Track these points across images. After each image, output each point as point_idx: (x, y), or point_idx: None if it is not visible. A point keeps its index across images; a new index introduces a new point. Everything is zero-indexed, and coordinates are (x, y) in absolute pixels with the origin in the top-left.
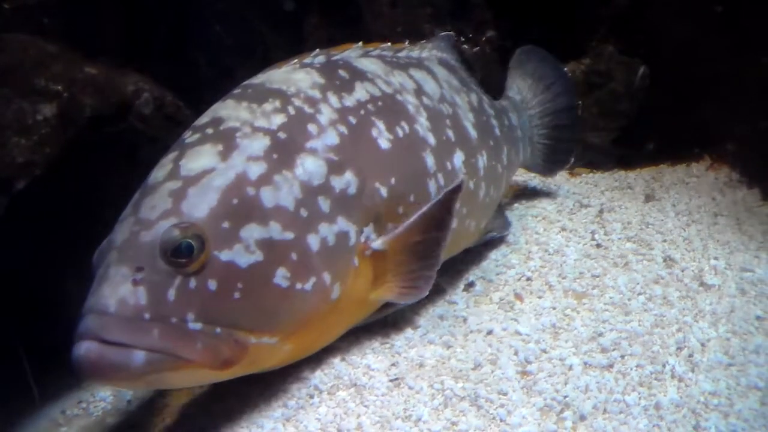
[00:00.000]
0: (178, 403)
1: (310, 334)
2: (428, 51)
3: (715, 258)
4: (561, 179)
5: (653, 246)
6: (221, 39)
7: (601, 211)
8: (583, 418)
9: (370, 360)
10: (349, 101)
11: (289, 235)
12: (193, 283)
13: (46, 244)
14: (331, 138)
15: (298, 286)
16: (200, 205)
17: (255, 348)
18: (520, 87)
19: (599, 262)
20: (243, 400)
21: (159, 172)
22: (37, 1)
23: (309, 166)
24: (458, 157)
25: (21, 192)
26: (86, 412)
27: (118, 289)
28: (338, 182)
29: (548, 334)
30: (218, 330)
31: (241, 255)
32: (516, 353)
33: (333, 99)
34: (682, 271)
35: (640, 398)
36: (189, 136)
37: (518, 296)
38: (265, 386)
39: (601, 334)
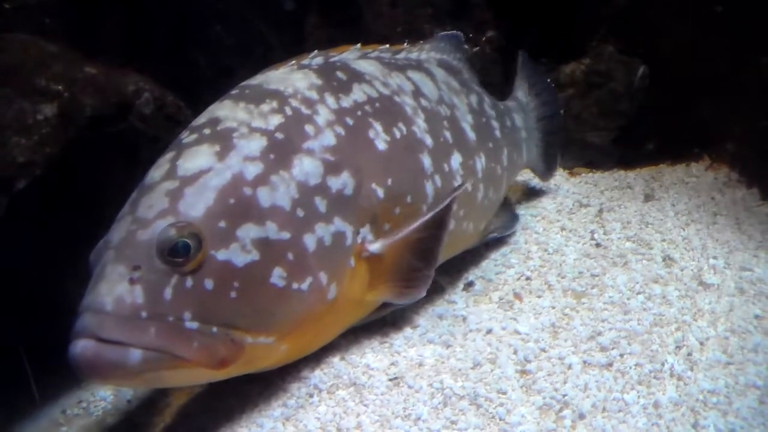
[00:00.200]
0: (178, 403)
1: (307, 335)
2: (426, 52)
3: (714, 257)
4: (560, 179)
5: (652, 245)
6: (221, 39)
7: (600, 211)
8: (582, 416)
9: (370, 359)
10: (347, 102)
11: (286, 235)
12: (189, 282)
13: (46, 244)
14: (328, 139)
15: (295, 285)
16: (197, 205)
17: (251, 348)
18: (525, 89)
19: (598, 261)
20: (243, 400)
21: (156, 172)
22: (38, 1)
23: (306, 167)
24: (456, 159)
25: (21, 192)
26: (87, 412)
27: (115, 288)
28: (335, 183)
29: (547, 333)
30: (215, 329)
31: (238, 254)
32: (515, 352)
33: (330, 100)
34: (681, 270)
35: (639, 397)
36: (186, 137)
37: (517, 295)
38: (265, 385)
39: (600, 333)
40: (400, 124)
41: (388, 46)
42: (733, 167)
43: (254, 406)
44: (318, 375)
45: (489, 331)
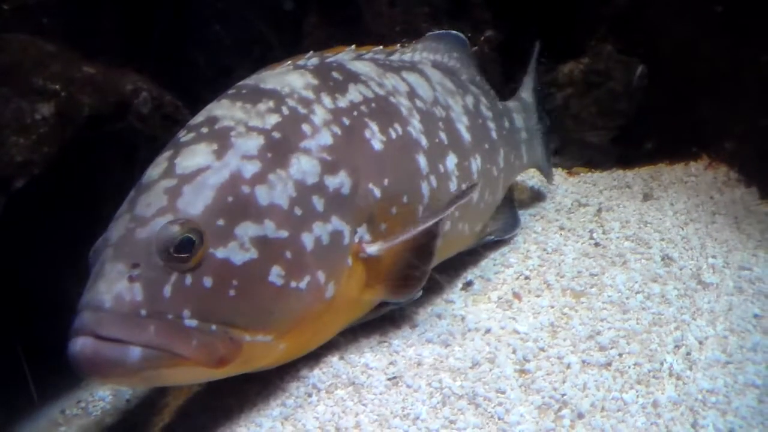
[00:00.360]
0: (177, 402)
1: (305, 334)
2: (419, 53)
3: (713, 256)
4: (559, 178)
5: (651, 245)
6: (220, 38)
7: (599, 210)
8: (581, 416)
9: (369, 359)
10: (343, 102)
11: (284, 234)
12: (189, 279)
13: (45, 243)
14: (325, 138)
15: (293, 284)
16: (195, 203)
17: (249, 346)
18: (533, 88)
19: (597, 260)
20: (242, 399)
21: (154, 171)
22: (37, 1)
23: (303, 166)
24: (451, 160)
25: (19, 191)
26: (85, 412)
27: (114, 286)
28: (332, 182)
29: (546, 332)
30: (214, 327)
31: (236, 252)
32: (514, 352)
33: (326, 100)
34: (680, 269)
35: (638, 396)
36: (184, 135)
37: (516, 295)
38: (264, 385)
39: (599, 333)
40: (396, 125)
41: (381, 47)
42: (732, 166)
43: (253, 405)
44: (317, 374)
45: (488, 331)
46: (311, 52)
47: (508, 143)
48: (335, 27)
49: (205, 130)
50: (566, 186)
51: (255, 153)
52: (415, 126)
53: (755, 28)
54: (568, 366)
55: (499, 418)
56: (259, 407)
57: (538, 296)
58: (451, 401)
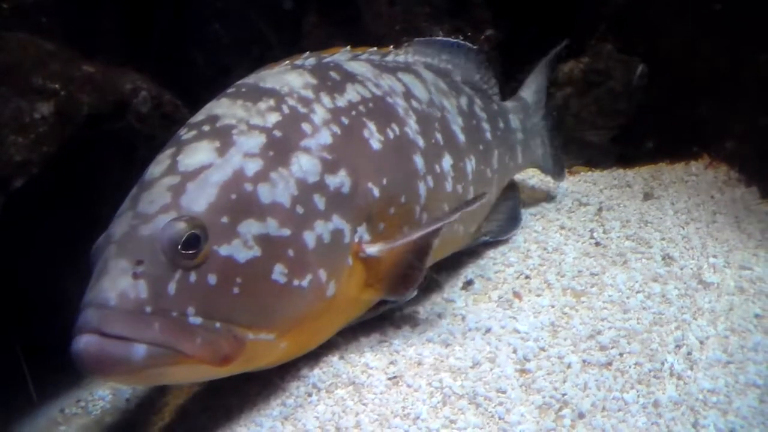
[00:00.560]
0: (177, 402)
1: (306, 332)
2: (412, 56)
3: (714, 256)
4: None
5: (652, 244)
6: (220, 38)
7: (599, 210)
8: (581, 416)
9: (369, 358)
10: (341, 102)
11: (286, 232)
12: (193, 277)
13: (44, 242)
14: (325, 137)
15: (295, 282)
16: (199, 200)
17: (252, 344)
18: (540, 87)
19: (598, 260)
20: (242, 399)
21: (156, 168)
22: (36, 0)
23: (304, 164)
24: (447, 161)
25: (18, 190)
26: (85, 411)
27: (118, 282)
28: (332, 181)
29: (547, 332)
30: (218, 325)
31: (240, 250)
32: (515, 351)
33: (325, 99)
34: (681, 269)
35: (638, 396)
36: (185, 133)
37: (517, 294)
38: (264, 384)
39: (599, 332)
40: (393, 125)
41: (375, 48)
42: (733, 166)
43: (253, 405)
44: (317, 374)
45: (488, 330)
46: (308, 52)
47: (503, 144)
48: (334, 26)
49: (206, 128)
50: (566, 185)
51: (257, 151)
52: (412, 126)
53: (754, 27)
54: (569, 365)
55: (499, 418)
56: (260, 407)
57: (538, 295)
58: (451, 401)
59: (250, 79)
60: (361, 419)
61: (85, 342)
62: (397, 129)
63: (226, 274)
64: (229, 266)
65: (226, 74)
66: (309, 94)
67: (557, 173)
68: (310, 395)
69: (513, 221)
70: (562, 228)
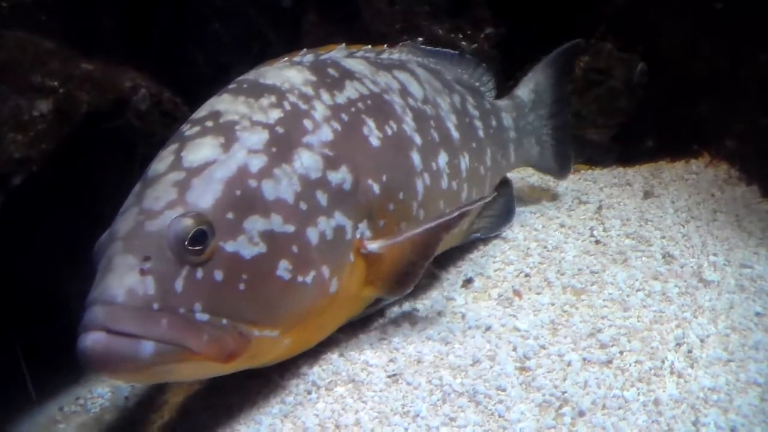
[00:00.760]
0: (176, 400)
1: (308, 329)
2: (405, 54)
3: (714, 254)
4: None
5: (652, 242)
6: (219, 36)
7: (599, 208)
8: (582, 413)
9: (368, 356)
10: (340, 99)
11: (290, 228)
12: (200, 273)
13: (43, 240)
14: (326, 134)
15: (300, 278)
16: (205, 196)
17: (257, 341)
18: (539, 85)
19: (598, 258)
20: (241, 396)
21: (160, 164)
22: None
23: (306, 161)
24: (442, 158)
25: (17, 188)
26: (84, 409)
27: (125, 279)
28: (334, 177)
29: (547, 330)
30: (224, 322)
31: (245, 246)
32: (515, 349)
33: (325, 96)
34: (681, 267)
35: (639, 394)
36: (188, 129)
37: (517, 292)
38: (264, 382)
39: (599, 330)
40: (391, 122)
41: (370, 46)
42: (733, 164)
43: (253, 403)
44: (316, 372)
45: (488, 328)
46: (305, 49)
47: (496, 142)
48: (334, 25)
49: (209, 123)
50: (566, 183)
51: (260, 147)
52: (409, 123)
53: (754, 26)
54: (569, 363)
55: (499, 416)
56: (259, 404)
57: (538, 294)
58: (451, 398)
59: (251, 75)
60: (361, 417)
61: (92, 339)
62: (394, 126)
63: (233, 271)
64: (235, 262)
65: (225, 72)
66: (309, 90)
67: (558, 172)
68: (309, 393)
69: (505, 217)
70: (562, 226)
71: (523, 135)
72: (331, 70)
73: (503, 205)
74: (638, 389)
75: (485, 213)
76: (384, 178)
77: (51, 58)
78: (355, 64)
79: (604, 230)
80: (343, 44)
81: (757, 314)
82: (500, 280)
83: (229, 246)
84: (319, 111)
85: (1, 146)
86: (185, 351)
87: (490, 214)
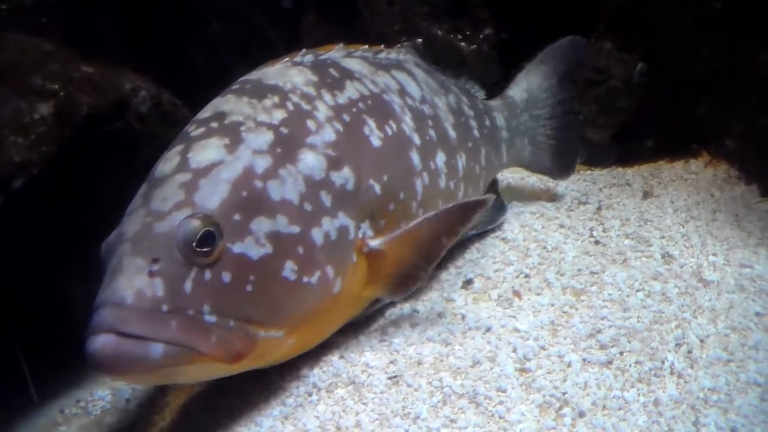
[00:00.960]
0: (177, 402)
1: (312, 329)
2: (404, 54)
3: (714, 254)
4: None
5: (651, 243)
6: (219, 37)
7: (599, 208)
8: (582, 414)
9: (369, 357)
10: (342, 99)
11: (295, 229)
12: (208, 275)
13: (44, 243)
14: (329, 134)
15: (305, 279)
16: (212, 197)
17: (263, 342)
18: (531, 85)
19: (597, 259)
20: (242, 398)
21: (166, 165)
22: (34, 1)
23: (310, 161)
24: (440, 158)
25: (18, 191)
26: (85, 411)
27: (134, 281)
28: (337, 178)
29: (547, 331)
30: (232, 323)
31: (252, 247)
32: (515, 350)
33: (327, 96)
34: (681, 267)
35: (639, 394)
36: (193, 130)
37: (517, 293)
38: (264, 384)
39: (599, 331)
40: (391, 122)
41: (367, 46)
42: (733, 164)
43: (253, 404)
44: (317, 374)
45: (488, 329)
46: (304, 49)
47: (489, 142)
48: (334, 26)
49: (214, 124)
50: (566, 184)
51: (266, 148)
52: (408, 123)
53: (754, 26)
54: (569, 364)
55: (500, 417)
56: (260, 406)
57: (538, 294)
58: (451, 400)
59: (253, 76)
60: (362, 419)
61: (101, 342)
62: (394, 126)
63: (240, 272)
64: (243, 264)
65: (225, 73)
66: (311, 91)
67: (559, 173)
68: (310, 395)
69: (495, 212)
70: (562, 227)
71: (515, 135)
72: (331, 71)
73: (495, 201)
74: (638, 390)
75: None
76: (385, 178)
77: (51, 61)
78: (355, 64)
79: (604, 231)
80: (341, 44)
81: (757, 314)
82: (500, 280)
83: (237, 247)
84: (322, 111)
85: (2, 149)
86: (194, 352)
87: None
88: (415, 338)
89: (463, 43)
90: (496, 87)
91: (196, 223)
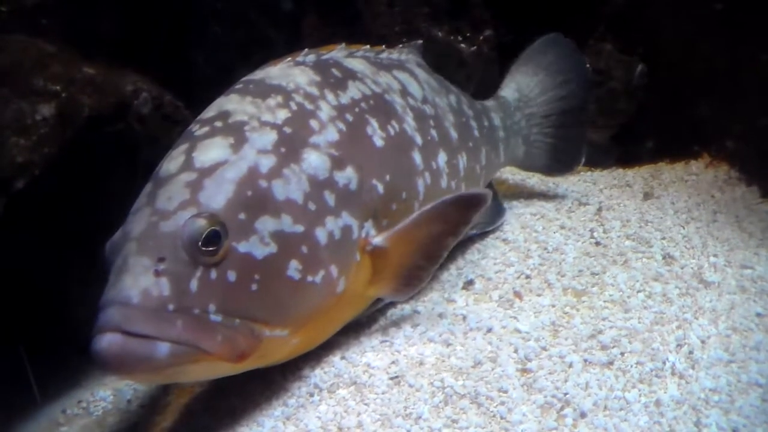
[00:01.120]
0: (179, 402)
1: (315, 328)
2: (405, 54)
3: (715, 255)
4: (559, 177)
5: (652, 244)
6: (220, 39)
7: (599, 209)
8: (583, 415)
9: (370, 358)
10: (345, 99)
11: (300, 228)
12: (214, 274)
13: (46, 243)
14: (332, 134)
15: (309, 278)
16: (217, 196)
17: (268, 341)
18: (521, 84)
19: (598, 260)
20: (244, 399)
21: (171, 164)
22: (35, 2)
23: (314, 161)
24: (442, 158)
25: (20, 192)
26: (86, 412)
27: (140, 280)
28: (341, 177)
29: (548, 331)
30: (237, 322)
31: (257, 247)
32: (516, 351)
33: (330, 96)
34: (682, 268)
35: (640, 395)
36: (197, 129)
37: (517, 294)
38: (266, 384)
39: (600, 332)
40: (393, 122)
41: (369, 46)
42: (733, 165)
43: (255, 405)
44: (318, 374)
45: (489, 330)
46: (306, 49)
47: (488, 141)
48: (334, 27)
49: (219, 124)
50: (566, 185)
51: (270, 148)
52: (410, 123)
53: (754, 27)
54: (570, 365)
55: (501, 418)
56: (262, 407)
57: (539, 295)
58: (453, 400)
59: (256, 76)
60: (363, 419)
61: (107, 341)
62: (396, 126)
63: (245, 271)
64: (248, 263)
65: (226, 75)
66: (314, 90)
67: (555, 170)
68: (311, 395)
69: (495, 212)
70: (563, 228)
71: (510, 134)
72: (334, 70)
73: (493, 201)
74: (640, 390)
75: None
76: (387, 177)
77: (52, 62)
78: (357, 64)
79: (605, 232)
80: (343, 44)
81: (758, 315)
82: (501, 281)
83: (242, 246)
84: (325, 111)
85: (4, 150)
86: (199, 352)
87: (483, 211)
88: (417, 339)
89: (463, 45)
90: (496, 88)
91: (201, 222)
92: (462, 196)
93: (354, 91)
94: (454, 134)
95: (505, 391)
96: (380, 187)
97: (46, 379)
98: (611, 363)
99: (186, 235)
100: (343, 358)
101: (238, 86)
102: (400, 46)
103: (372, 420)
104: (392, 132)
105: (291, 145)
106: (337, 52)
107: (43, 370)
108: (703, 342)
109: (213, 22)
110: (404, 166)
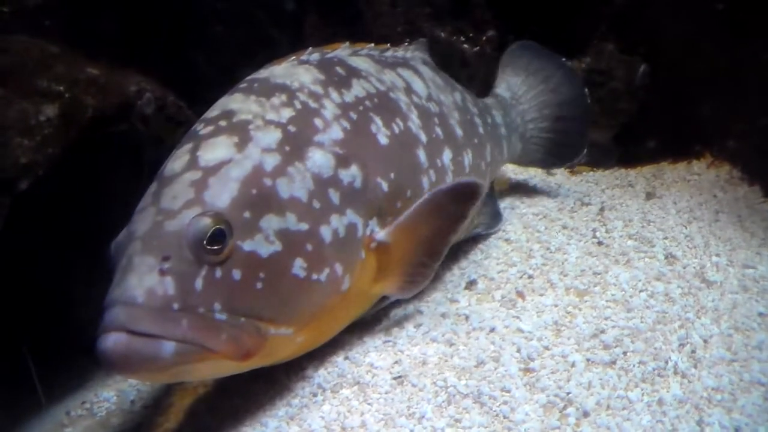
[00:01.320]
0: (182, 402)
1: (320, 327)
2: (411, 52)
3: (717, 255)
4: (561, 177)
5: (654, 243)
6: (221, 39)
7: (602, 209)
8: (586, 414)
9: (373, 358)
10: (348, 97)
11: (304, 226)
12: (218, 272)
13: (50, 244)
14: (336, 132)
15: (314, 276)
16: (222, 195)
17: (273, 339)
18: (510, 83)
19: (601, 259)
20: (247, 399)
21: (175, 164)
22: (37, 3)
23: (318, 159)
24: (447, 155)
25: (24, 192)
26: (90, 413)
27: (145, 279)
28: (345, 175)
29: (550, 331)
30: (242, 320)
31: (262, 245)
32: (518, 350)
33: (334, 95)
34: (684, 268)
35: (643, 394)
36: (202, 128)
37: (520, 294)
38: (270, 385)
39: (603, 331)
40: (398, 120)
41: (373, 45)
42: (735, 165)
43: (259, 405)
44: (322, 374)
45: (492, 330)
46: (310, 48)
47: (492, 139)
48: (336, 27)
49: (223, 123)
50: (569, 185)
51: (274, 146)
52: (414, 121)
53: (755, 27)
54: (573, 364)
55: (504, 417)
56: (265, 407)
57: (541, 295)
58: (456, 400)
59: (260, 75)
60: (367, 419)
61: (113, 340)
62: (401, 124)
63: (250, 269)
64: (253, 261)
65: (228, 75)
66: (318, 89)
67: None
68: (315, 395)
69: (497, 214)
70: (565, 228)
71: (510, 131)
72: (338, 69)
73: (494, 202)
74: (642, 389)
75: (483, 210)
76: (392, 175)
77: (56, 62)
78: (361, 63)
79: (607, 231)
80: (347, 43)
81: (760, 314)
82: (503, 281)
83: (247, 245)
84: (329, 109)
85: (8, 151)
86: (204, 350)
87: (487, 210)
88: (420, 339)
89: (465, 45)
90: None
91: (206, 221)
92: (456, 184)
93: (358, 89)
94: (459, 131)
95: (508, 391)
96: (385, 185)
97: (50, 379)
98: (614, 362)
99: (191, 234)
100: (346, 358)
101: (243, 85)
102: (406, 43)
103: (375, 420)
104: (397, 130)
105: (295, 143)
106: (342, 51)
107: (46, 371)
108: (705, 341)
109: (214, 21)
110: (409, 163)
